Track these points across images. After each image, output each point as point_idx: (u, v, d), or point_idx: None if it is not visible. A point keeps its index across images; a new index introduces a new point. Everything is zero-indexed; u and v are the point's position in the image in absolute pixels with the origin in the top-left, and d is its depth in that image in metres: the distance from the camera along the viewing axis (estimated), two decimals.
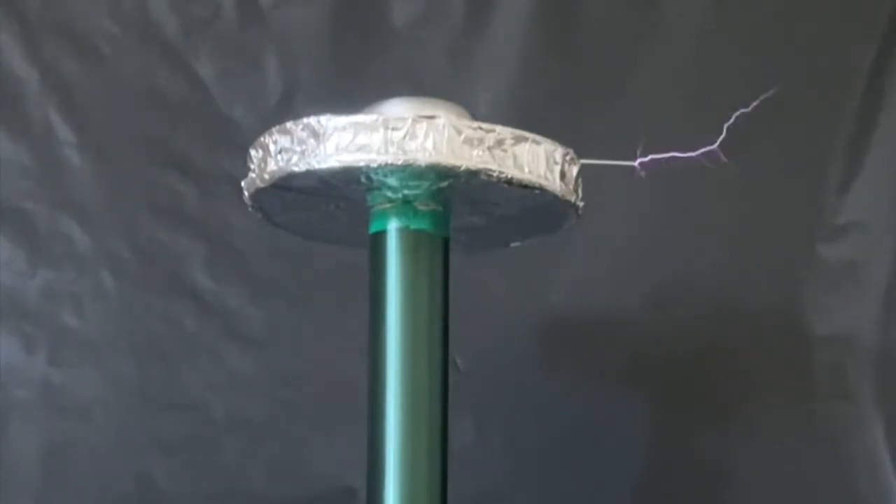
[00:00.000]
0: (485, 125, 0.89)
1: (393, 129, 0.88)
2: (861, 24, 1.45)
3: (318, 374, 1.36)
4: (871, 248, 1.43)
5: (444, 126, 0.88)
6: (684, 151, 1.16)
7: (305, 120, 0.90)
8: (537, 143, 0.91)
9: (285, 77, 1.39)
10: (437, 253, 0.96)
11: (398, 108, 0.92)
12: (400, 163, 0.88)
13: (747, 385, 1.41)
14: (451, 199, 0.94)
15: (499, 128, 0.90)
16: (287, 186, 0.93)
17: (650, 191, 1.39)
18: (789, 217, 1.43)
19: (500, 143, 0.89)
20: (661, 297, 1.40)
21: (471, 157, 0.88)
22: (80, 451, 1.32)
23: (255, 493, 1.34)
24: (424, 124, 0.88)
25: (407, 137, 0.88)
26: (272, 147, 0.92)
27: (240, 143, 1.05)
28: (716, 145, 1.01)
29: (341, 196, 0.96)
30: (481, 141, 0.89)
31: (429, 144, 0.88)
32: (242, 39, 1.39)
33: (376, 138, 0.88)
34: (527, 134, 0.91)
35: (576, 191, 0.96)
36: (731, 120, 1.01)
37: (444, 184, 0.91)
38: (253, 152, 0.95)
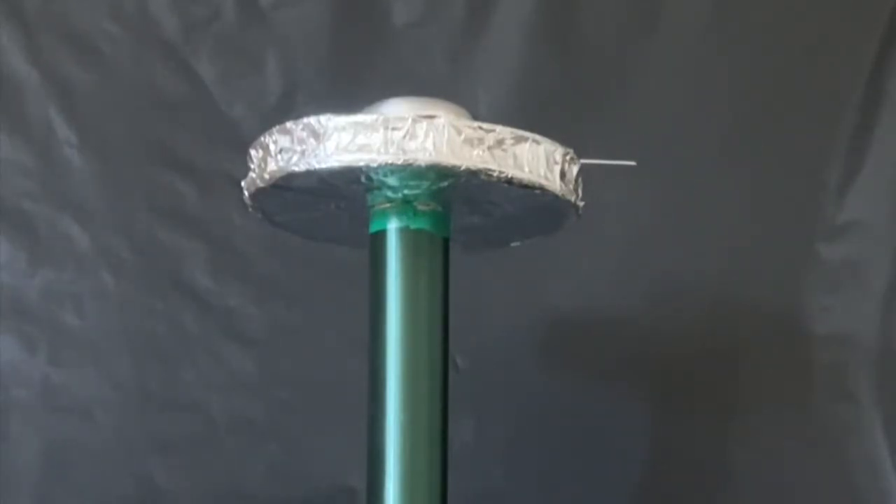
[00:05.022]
0: (485, 125, 0.89)
1: (393, 129, 0.88)
2: (861, 24, 1.45)
3: (318, 374, 1.36)
4: (871, 248, 1.43)
5: (444, 126, 0.88)
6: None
7: (305, 120, 0.90)
8: (537, 142, 0.91)
9: (285, 77, 1.39)
10: (437, 253, 0.96)
11: (398, 108, 0.92)
12: (400, 163, 0.88)
13: (747, 385, 1.41)
14: (451, 199, 0.94)
15: (499, 128, 0.90)
16: (287, 186, 0.93)
17: (650, 190, 1.39)
18: (789, 217, 1.43)
19: (500, 142, 0.89)
20: (661, 297, 1.40)
21: (471, 157, 0.88)
22: (80, 451, 1.32)
23: (255, 493, 1.34)
24: (424, 124, 0.88)
25: (407, 137, 0.88)
26: (272, 147, 0.92)
27: (240, 143, 1.05)
28: None
29: (341, 196, 0.95)
30: (481, 141, 0.89)
31: (429, 144, 0.88)
32: (242, 39, 1.39)
33: (376, 138, 0.88)
34: (527, 134, 0.91)
35: (576, 191, 0.96)
36: None
37: (444, 184, 0.91)
38: (253, 152, 0.95)
